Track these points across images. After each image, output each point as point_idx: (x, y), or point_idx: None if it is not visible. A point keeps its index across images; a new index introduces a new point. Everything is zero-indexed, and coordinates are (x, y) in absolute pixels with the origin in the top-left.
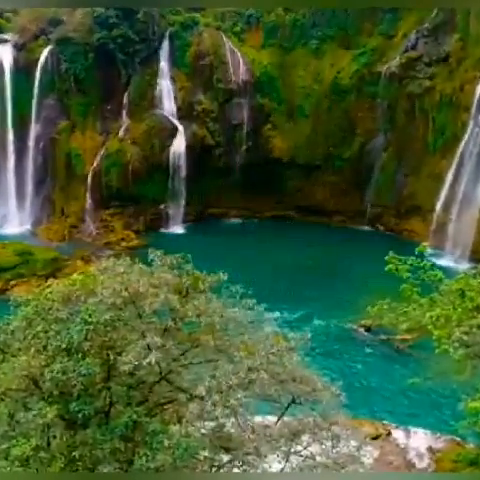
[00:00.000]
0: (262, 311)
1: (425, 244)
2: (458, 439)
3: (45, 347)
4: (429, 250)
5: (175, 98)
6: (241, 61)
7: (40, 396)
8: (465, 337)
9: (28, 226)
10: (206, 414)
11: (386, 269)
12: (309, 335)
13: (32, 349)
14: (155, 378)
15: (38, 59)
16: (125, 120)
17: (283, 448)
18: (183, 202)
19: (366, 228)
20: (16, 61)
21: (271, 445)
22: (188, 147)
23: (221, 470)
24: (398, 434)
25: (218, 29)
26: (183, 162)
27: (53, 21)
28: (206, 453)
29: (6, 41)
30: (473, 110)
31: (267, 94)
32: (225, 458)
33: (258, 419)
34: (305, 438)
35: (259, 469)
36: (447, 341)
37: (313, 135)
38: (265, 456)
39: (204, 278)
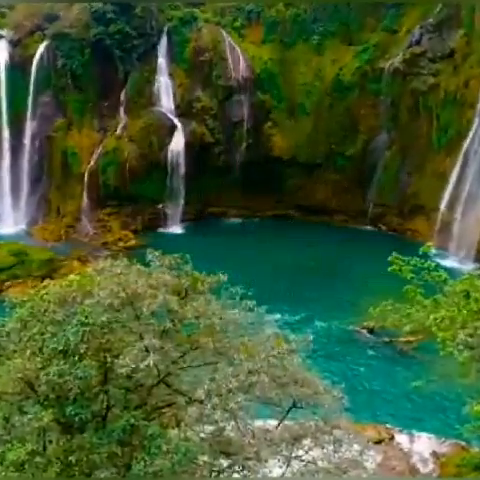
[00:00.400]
0: (262, 313)
1: (429, 244)
2: (463, 443)
3: (41, 349)
4: (433, 250)
5: (174, 95)
6: (241, 57)
7: (36, 399)
8: (470, 339)
9: (23, 226)
10: (205, 418)
11: (389, 270)
12: (311, 337)
13: (28, 351)
14: (153, 381)
15: (34, 55)
16: (123, 117)
17: (284, 453)
18: (182, 201)
19: (368, 228)
20: (11, 57)
21: (272, 450)
22: (187, 145)
23: (221, 475)
24: (401, 438)
25: (218, 25)
26: (182, 160)
27: (49, 16)
28: (205, 458)
29: (1, 37)
30: (478, 107)
31: (267, 91)
32: (225, 463)
33: (258, 423)
34: (306, 442)
35: (259, 474)
36: (451, 343)
37: (314, 133)
38: (266, 461)
39: (203, 279)
